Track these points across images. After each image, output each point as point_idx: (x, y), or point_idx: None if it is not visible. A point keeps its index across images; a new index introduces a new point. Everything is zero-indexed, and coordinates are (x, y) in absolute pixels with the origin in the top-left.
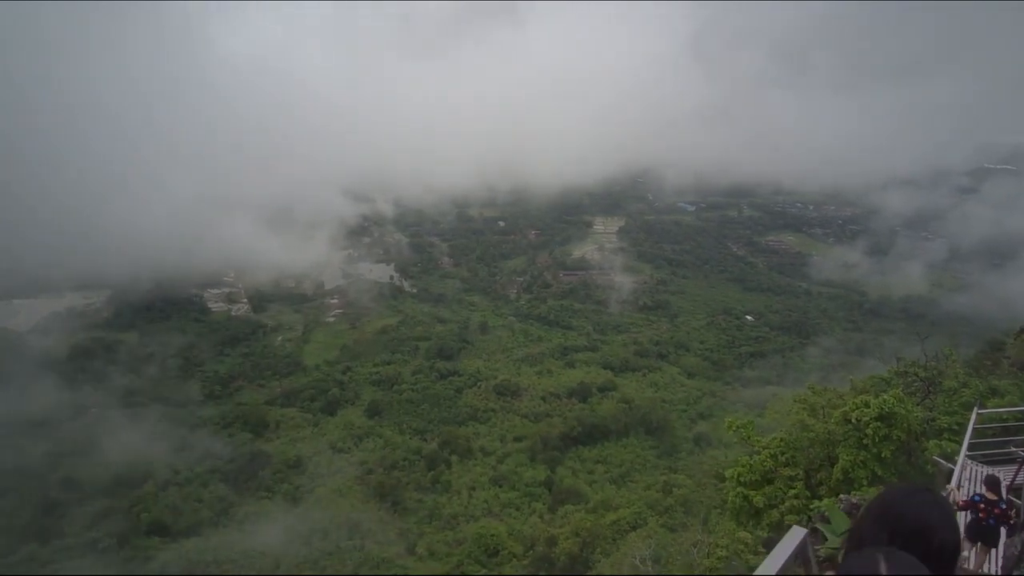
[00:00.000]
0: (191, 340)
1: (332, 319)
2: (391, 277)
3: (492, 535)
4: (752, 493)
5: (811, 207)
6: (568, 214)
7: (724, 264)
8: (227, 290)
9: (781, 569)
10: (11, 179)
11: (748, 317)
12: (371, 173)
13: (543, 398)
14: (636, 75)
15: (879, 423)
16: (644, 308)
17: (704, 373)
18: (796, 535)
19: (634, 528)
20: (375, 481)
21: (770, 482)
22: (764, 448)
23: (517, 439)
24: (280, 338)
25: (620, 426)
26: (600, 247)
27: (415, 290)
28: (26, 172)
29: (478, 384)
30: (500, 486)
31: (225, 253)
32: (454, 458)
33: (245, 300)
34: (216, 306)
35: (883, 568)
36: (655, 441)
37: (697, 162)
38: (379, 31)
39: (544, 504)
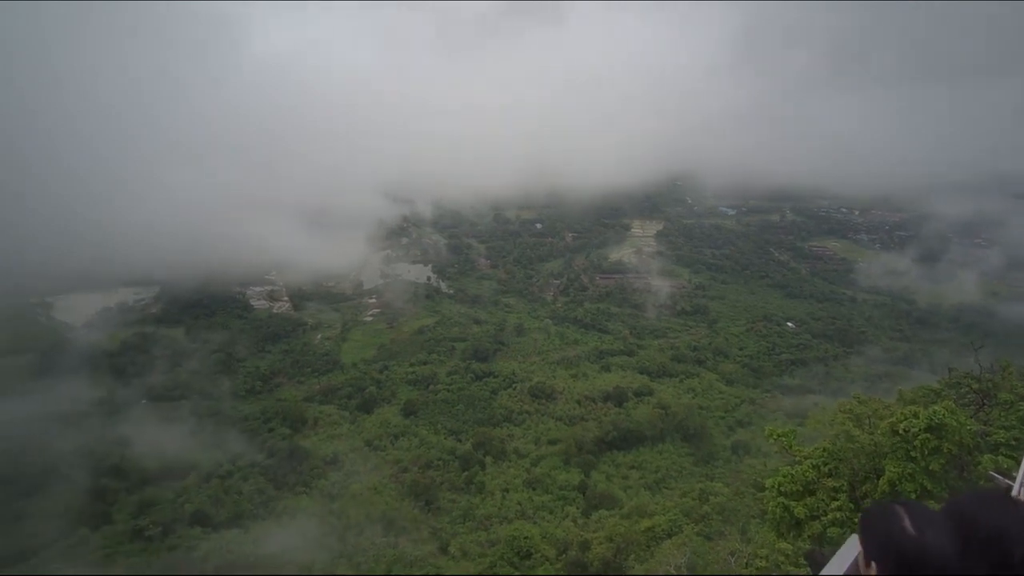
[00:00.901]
0: (234, 336)
1: (370, 318)
2: (428, 278)
3: (525, 537)
4: (793, 504)
5: (857, 212)
6: (606, 217)
7: (765, 269)
8: (269, 288)
9: None
10: (67, 181)
11: (789, 324)
12: (410, 174)
13: (578, 401)
14: (677, 76)
15: (928, 435)
16: (682, 313)
17: (743, 380)
18: (855, 544)
19: (669, 535)
20: (409, 480)
21: (812, 493)
22: (806, 458)
23: (551, 442)
24: (319, 336)
25: (656, 432)
26: (638, 251)
27: (452, 291)
28: (80, 174)
29: (513, 386)
30: (534, 489)
31: (267, 252)
32: (488, 459)
33: (286, 298)
34: (258, 304)
35: (907, 523)
36: (691, 448)
37: (739, 165)
38: (416, 31)
39: (578, 508)
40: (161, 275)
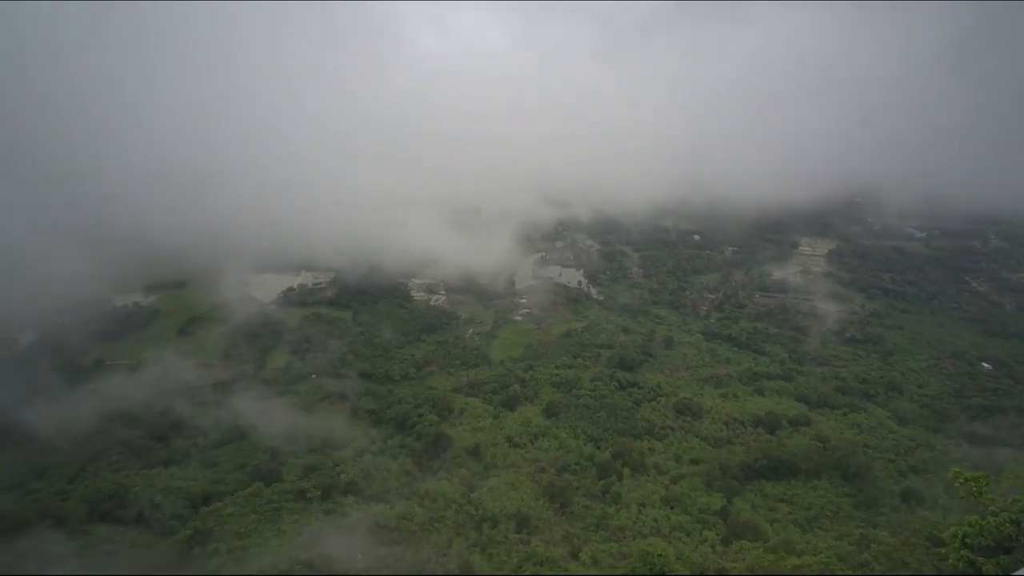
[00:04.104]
0: (395, 323)
1: (519, 318)
2: (579, 282)
3: (659, 555)
4: (982, 560)
5: None
6: (770, 232)
7: (958, 301)
8: (428, 281)
9: None
10: (265, 177)
11: (985, 364)
12: (569, 179)
13: (726, 423)
14: (869, 83)
15: None
16: (851, 341)
17: (920, 421)
18: None
19: None
20: (546, 481)
21: (1008, 551)
22: (1002, 510)
23: (694, 462)
24: (470, 331)
25: (811, 465)
26: (805, 270)
27: (602, 297)
28: (275, 172)
29: (658, 399)
30: (671, 507)
31: (429, 248)
32: (626, 470)
33: (443, 292)
34: (418, 295)
35: None
36: (852, 488)
37: (933, 182)
38: (579, 33)
39: (717, 534)
40: (337, 262)
